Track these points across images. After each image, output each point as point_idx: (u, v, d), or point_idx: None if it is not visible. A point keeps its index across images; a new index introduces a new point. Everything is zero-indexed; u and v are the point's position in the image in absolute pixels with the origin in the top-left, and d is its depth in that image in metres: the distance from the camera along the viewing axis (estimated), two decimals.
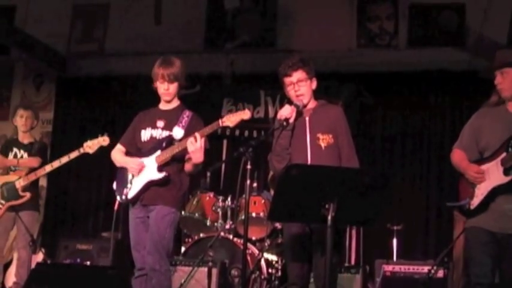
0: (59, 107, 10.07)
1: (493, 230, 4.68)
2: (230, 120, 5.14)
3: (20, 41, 9.31)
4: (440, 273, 6.44)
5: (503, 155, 4.68)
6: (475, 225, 4.76)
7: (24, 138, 7.67)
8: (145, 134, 5.39)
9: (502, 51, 5.03)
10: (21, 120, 7.68)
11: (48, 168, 7.22)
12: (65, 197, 9.80)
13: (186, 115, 5.34)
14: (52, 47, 9.74)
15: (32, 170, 7.31)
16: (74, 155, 6.99)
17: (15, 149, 7.58)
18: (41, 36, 9.49)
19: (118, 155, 5.52)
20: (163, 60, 5.36)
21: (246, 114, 5.16)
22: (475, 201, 4.75)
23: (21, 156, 7.52)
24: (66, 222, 9.70)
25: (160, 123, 5.37)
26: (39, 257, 7.95)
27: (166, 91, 5.35)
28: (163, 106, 5.48)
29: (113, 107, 9.81)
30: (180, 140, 5.21)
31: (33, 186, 7.38)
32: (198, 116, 5.39)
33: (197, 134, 5.06)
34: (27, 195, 7.27)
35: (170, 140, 5.25)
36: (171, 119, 5.34)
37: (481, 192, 4.73)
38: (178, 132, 5.24)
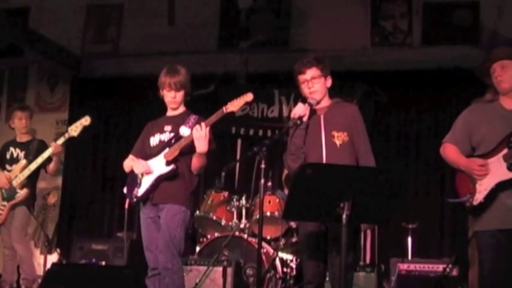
0: (73, 108, 10.08)
1: (499, 228, 4.64)
2: (233, 105, 5.20)
3: (34, 42, 9.33)
4: (456, 272, 6.42)
5: (505, 151, 4.65)
6: (481, 229, 4.71)
7: (22, 138, 7.69)
8: (154, 140, 5.47)
9: (500, 47, 5.00)
10: (20, 122, 7.69)
11: (39, 159, 7.24)
12: (80, 197, 9.82)
13: (193, 117, 5.40)
14: (66, 48, 9.76)
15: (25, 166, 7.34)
16: (60, 141, 7.11)
17: (11, 149, 7.60)
18: (55, 37, 9.52)
19: (127, 161, 5.58)
20: (169, 69, 5.45)
21: (248, 97, 5.21)
22: (478, 197, 4.69)
23: (17, 155, 7.53)
24: (81, 222, 9.72)
25: (167, 128, 5.45)
26: (55, 257, 7.99)
27: (173, 99, 5.43)
28: (169, 113, 5.57)
29: (128, 107, 9.83)
30: None
31: (29, 181, 7.38)
32: (204, 119, 5.42)
33: (202, 123, 5.13)
34: (25, 191, 7.28)
35: (178, 138, 5.30)
36: (177, 123, 5.40)
37: (484, 188, 4.67)
38: (185, 130, 5.28)
